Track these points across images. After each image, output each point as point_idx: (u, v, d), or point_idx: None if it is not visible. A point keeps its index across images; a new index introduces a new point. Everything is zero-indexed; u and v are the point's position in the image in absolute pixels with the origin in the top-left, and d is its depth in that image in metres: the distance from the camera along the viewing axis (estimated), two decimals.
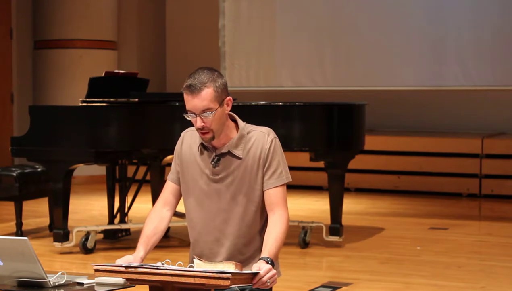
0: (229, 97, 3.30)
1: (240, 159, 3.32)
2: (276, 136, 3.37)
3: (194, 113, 3.24)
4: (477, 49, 10.02)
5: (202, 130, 3.26)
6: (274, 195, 3.32)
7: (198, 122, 3.24)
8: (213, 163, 3.34)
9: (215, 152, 3.34)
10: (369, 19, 10.47)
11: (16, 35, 11.12)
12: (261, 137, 3.33)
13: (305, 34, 10.72)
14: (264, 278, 3.01)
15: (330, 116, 6.74)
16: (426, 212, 8.84)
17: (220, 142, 3.33)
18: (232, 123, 3.36)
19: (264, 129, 3.38)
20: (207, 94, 3.22)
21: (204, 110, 3.22)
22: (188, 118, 3.28)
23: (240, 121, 3.38)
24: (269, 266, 3.07)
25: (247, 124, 3.40)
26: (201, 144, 3.36)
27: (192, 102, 3.23)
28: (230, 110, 3.35)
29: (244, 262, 3.31)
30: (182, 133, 3.47)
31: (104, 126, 6.42)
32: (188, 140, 3.42)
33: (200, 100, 3.22)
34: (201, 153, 3.36)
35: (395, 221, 8.24)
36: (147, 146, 6.65)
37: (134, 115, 6.50)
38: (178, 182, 3.44)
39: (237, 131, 3.35)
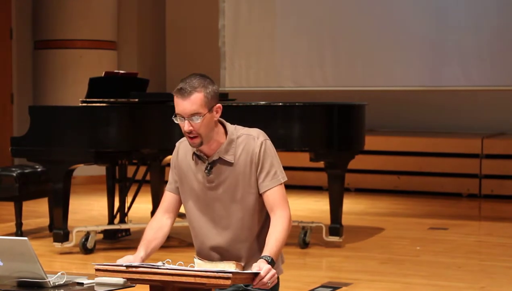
0: (218, 104, 3.31)
1: (231, 163, 3.32)
2: (267, 138, 3.37)
3: (182, 117, 3.25)
4: (477, 49, 10.02)
5: (189, 135, 3.27)
6: (272, 196, 3.32)
7: (186, 126, 3.25)
8: (206, 171, 3.34)
9: (207, 160, 3.34)
10: (369, 19, 10.46)
11: (16, 35, 11.12)
12: (251, 141, 3.33)
13: (305, 34, 10.72)
14: (265, 279, 3.01)
15: (330, 116, 6.73)
16: (426, 212, 8.84)
17: (211, 150, 3.33)
18: (221, 129, 3.36)
19: (254, 132, 3.37)
20: (196, 98, 3.23)
21: (193, 114, 3.23)
22: (176, 122, 3.28)
23: (228, 126, 3.38)
24: (269, 266, 3.07)
25: (238, 127, 3.39)
26: (194, 153, 3.37)
27: (181, 105, 3.24)
28: (220, 116, 3.34)
29: (244, 266, 3.32)
30: (177, 144, 3.48)
31: (104, 126, 6.42)
32: (183, 150, 3.43)
33: (189, 104, 3.23)
34: (196, 162, 3.37)
35: (395, 221, 8.24)
36: (147, 146, 6.65)
37: (134, 115, 6.50)
38: (176, 192, 3.46)
39: (226, 136, 3.35)
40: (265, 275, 3.02)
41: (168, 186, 3.49)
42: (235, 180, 3.32)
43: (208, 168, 3.34)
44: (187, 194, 3.41)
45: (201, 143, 3.29)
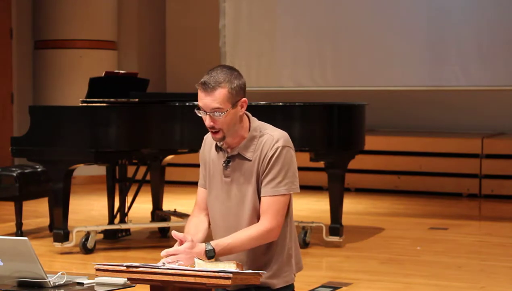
0: (244, 99, 3.24)
1: (249, 161, 3.26)
2: (288, 145, 3.26)
3: (204, 111, 3.20)
4: (477, 49, 10.02)
5: (212, 129, 3.22)
6: (265, 203, 3.24)
7: (208, 121, 3.20)
8: (224, 164, 3.30)
9: (227, 153, 3.30)
10: (369, 19, 10.47)
11: (16, 35, 11.12)
12: (270, 142, 3.25)
13: (305, 34, 10.72)
14: (177, 256, 3.02)
15: (330, 116, 6.74)
16: (426, 212, 8.84)
17: (234, 143, 3.28)
18: (247, 124, 3.29)
19: (277, 134, 3.28)
20: (220, 94, 3.16)
21: (215, 110, 3.17)
22: (199, 115, 3.23)
23: (253, 122, 3.30)
24: (193, 246, 3.06)
25: (264, 124, 3.32)
26: (216, 144, 3.32)
27: (204, 100, 3.18)
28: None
29: (260, 267, 3.26)
30: (204, 137, 3.42)
31: (104, 126, 6.42)
32: (209, 143, 3.38)
33: (212, 99, 3.16)
34: (217, 153, 3.33)
35: (395, 221, 8.24)
36: (147, 146, 6.65)
37: (134, 115, 6.49)
38: (206, 186, 3.40)
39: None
40: (182, 252, 3.03)
41: (199, 181, 3.43)
42: (248, 179, 3.26)
43: (226, 161, 3.29)
44: (210, 185, 3.36)
45: (223, 138, 3.23)
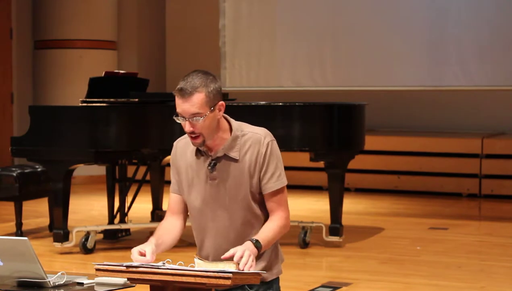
0: (221, 102, 3.25)
1: (236, 160, 3.28)
2: (273, 139, 3.32)
3: (183, 117, 3.20)
4: (477, 49, 10.02)
5: (191, 135, 3.23)
6: (274, 198, 3.30)
7: (187, 127, 3.20)
8: (209, 167, 3.29)
9: (211, 156, 3.30)
10: (369, 19, 10.46)
11: (16, 35, 11.12)
12: (258, 140, 3.28)
13: (305, 34, 10.72)
14: (243, 262, 3.03)
15: (330, 116, 6.74)
16: (426, 212, 8.84)
17: (215, 145, 3.28)
18: (225, 125, 3.31)
19: (261, 131, 3.32)
20: (198, 99, 3.17)
21: (194, 115, 3.18)
22: (178, 121, 3.24)
23: (233, 122, 3.33)
24: (245, 248, 3.08)
25: (242, 124, 3.35)
26: (198, 149, 3.32)
27: (182, 106, 3.18)
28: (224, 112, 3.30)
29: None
30: (174, 143, 3.43)
31: (104, 126, 6.42)
32: (182, 148, 3.39)
33: (190, 105, 3.17)
34: (198, 158, 3.32)
35: (395, 221, 8.25)
36: (147, 146, 6.65)
37: (134, 115, 6.50)
38: (179, 192, 3.40)
39: (231, 132, 3.30)
40: (242, 257, 3.03)
41: (171, 187, 3.44)
42: (238, 178, 3.28)
43: (212, 164, 3.29)
44: (188, 192, 3.36)
45: (203, 143, 3.24)
